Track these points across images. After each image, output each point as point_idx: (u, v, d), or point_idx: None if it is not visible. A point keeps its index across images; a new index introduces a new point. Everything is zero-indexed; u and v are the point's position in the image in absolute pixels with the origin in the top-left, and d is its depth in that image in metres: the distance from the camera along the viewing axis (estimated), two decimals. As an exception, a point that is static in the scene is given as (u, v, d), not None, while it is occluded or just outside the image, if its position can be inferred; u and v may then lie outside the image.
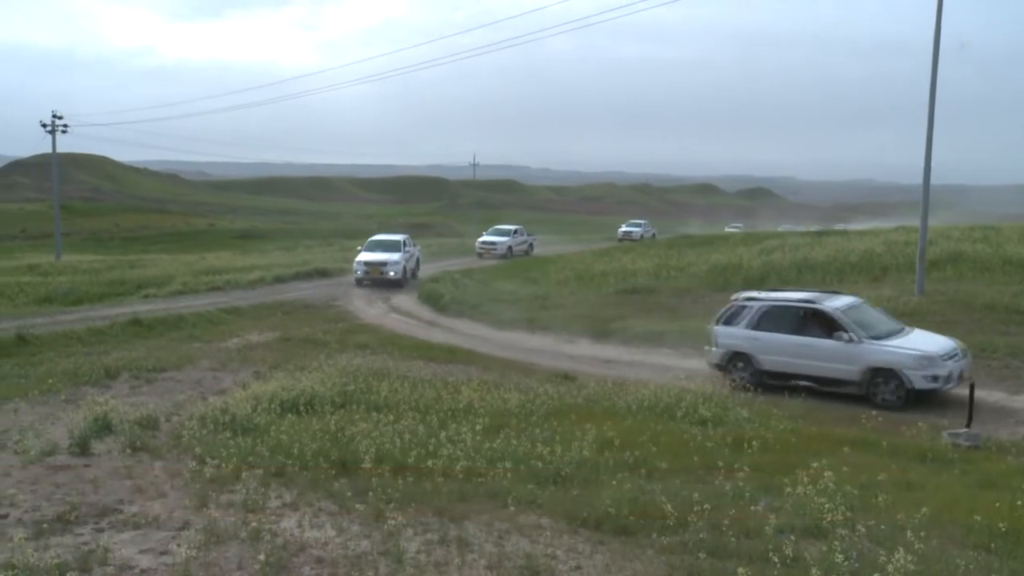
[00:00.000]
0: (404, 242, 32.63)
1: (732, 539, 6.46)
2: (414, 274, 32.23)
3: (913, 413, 12.64)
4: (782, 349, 14.53)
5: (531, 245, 45.89)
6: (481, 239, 44.71)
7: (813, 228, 51.67)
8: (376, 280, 30.44)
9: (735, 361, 15.12)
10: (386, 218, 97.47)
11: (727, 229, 66.58)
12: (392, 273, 30.51)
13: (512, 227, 46.71)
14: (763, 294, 15.91)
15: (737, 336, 15.14)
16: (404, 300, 27.93)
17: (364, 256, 31.23)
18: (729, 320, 15.43)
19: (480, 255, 42.58)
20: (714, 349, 15.51)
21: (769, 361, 14.68)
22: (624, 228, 61.22)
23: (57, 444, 9.35)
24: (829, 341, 14.00)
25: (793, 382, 14.21)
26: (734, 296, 16.23)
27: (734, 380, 14.81)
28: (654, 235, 59.02)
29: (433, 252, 44.85)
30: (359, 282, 30.51)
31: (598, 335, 20.66)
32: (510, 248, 43.19)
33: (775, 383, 14.44)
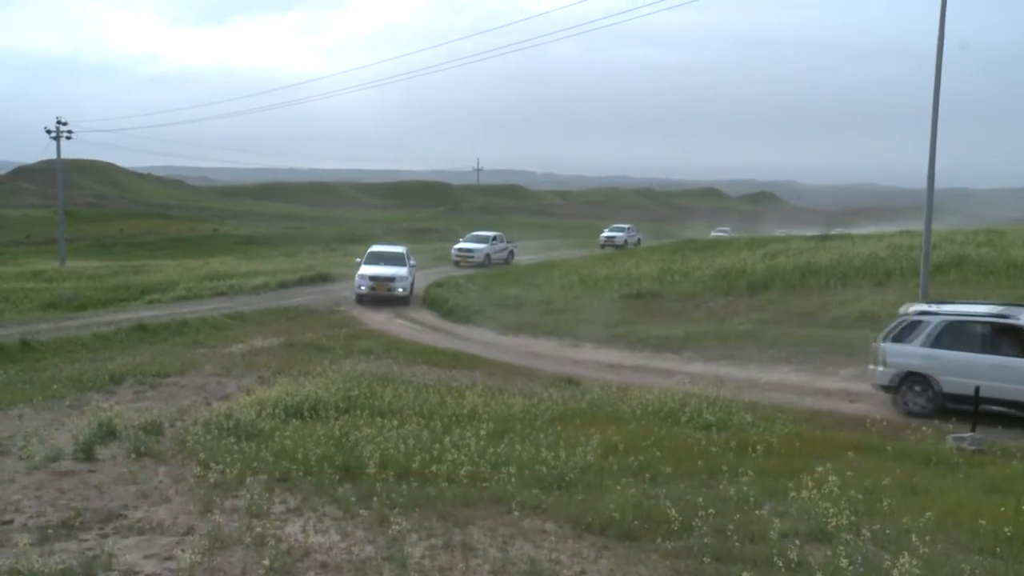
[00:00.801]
0: (407, 254, 29.86)
1: (737, 543, 6.45)
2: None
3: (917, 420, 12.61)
4: (970, 370, 12.72)
5: (511, 253, 42.19)
6: (457, 246, 40.93)
7: (810, 232, 51.78)
8: (380, 297, 27.61)
9: (909, 383, 13.44)
10: (390, 223, 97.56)
11: (713, 233, 62.67)
12: (400, 290, 27.68)
13: (491, 233, 42.73)
14: (942, 307, 14.04)
15: (912, 355, 13.42)
16: (408, 306, 27.94)
17: (368, 270, 28.01)
18: (901, 336, 13.72)
19: (456, 263, 39.14)
20: (882, 369, 13.78)
21: (953, 383, 12.92)
22: (607, 233, 54.67)
23: (62, 450, 9.36)
24: None
25: (983, 407, 12.33)
26: (903, 309, 14.57)
27: (907, 404, 13.41)
28: (639, 241, 54.21)
29: (437, 257, 44.85)
30: (361, 299, 27.56)
31: (602, 340, 20.67)
32: (488, 256, 39.56)
33: (959, 407, 12.76)
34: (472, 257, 39.53)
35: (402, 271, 28.09)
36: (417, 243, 60.03)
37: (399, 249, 30.35)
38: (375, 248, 30.56)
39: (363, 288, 27.64)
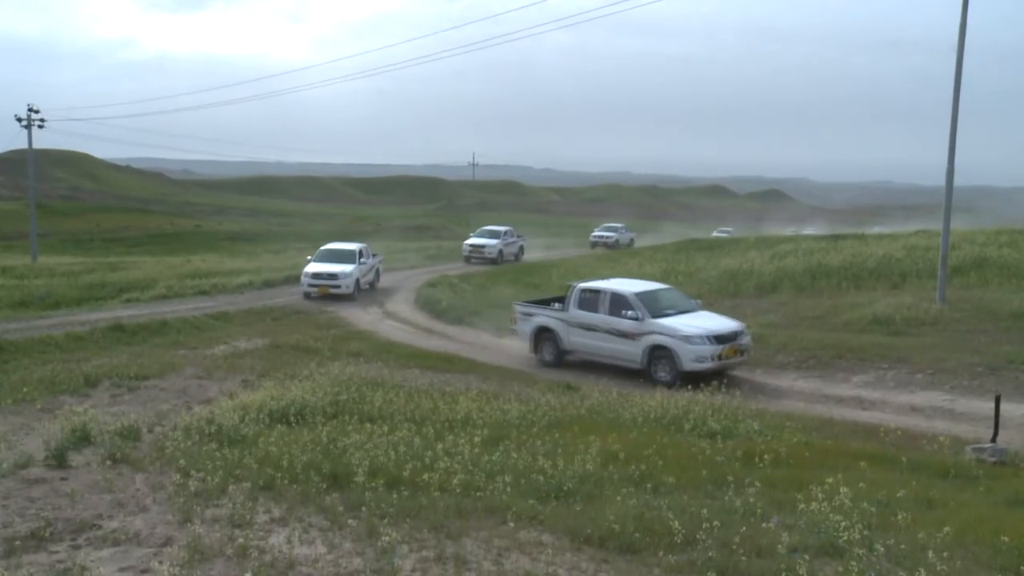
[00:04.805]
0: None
1: (743, 558, 6.44)
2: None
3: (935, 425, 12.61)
4: None
5: (377, 272, 32.53)
6: (310, 270, 29.22)
7: (788, 231, 51.60)
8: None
9: None
10: (382, 220, 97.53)
11: (594, 234, 53.02)
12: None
13: (355, 246, 31.55)
14: None
15: None
16: (400, 306, 27.95)
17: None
18: None
19: (308, 295, 28.65)
20: None
21: None
22: (473, 240, 42.72)
23: (32, 456, 9.34)
24: None
25: None
26: None
27: None
28: (521, 249, 43.98)
29: (431, 255, 44.90)
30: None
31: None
32: (357, 281, 29.44)
33: None
34: (338, 287, 28.65)
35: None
36: (411, 241, 60.07)
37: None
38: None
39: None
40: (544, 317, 18.88)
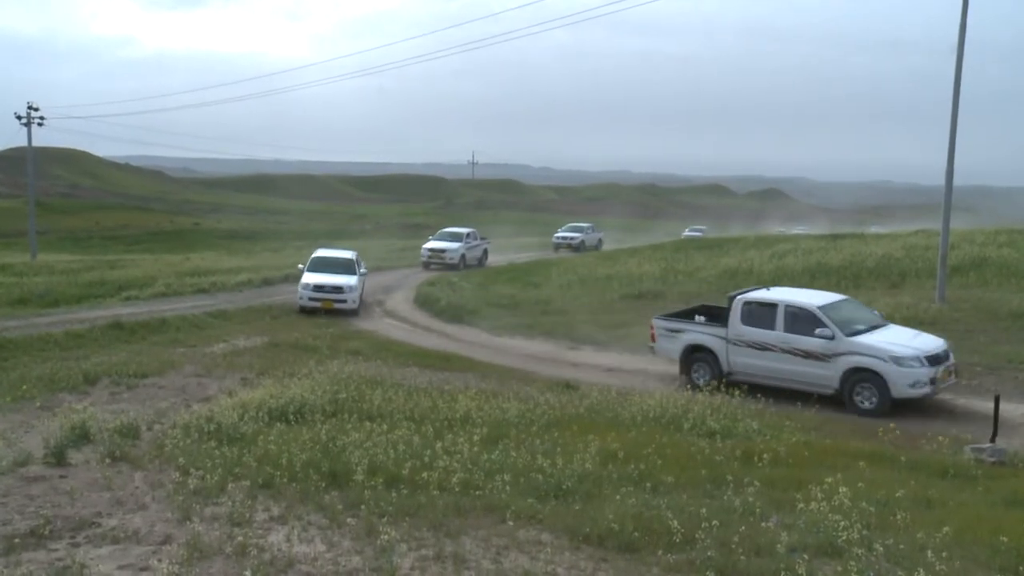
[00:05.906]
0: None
1: (742, 557, 6.45)
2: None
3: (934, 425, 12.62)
4: None
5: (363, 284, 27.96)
6: (310, 281, 25.55)
7: (775, 231, 51.39)
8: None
9: None
10: (380, 218, 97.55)
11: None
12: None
13: (351, 255, 28.01)
14: None
15: None
16: (399, 304, 27.95)
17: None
18: None
19: (304, 309, 25.34)
20: None
21: None
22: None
23: (31, 454, 9.33)
24: None
25: None
26: None
27: None
28: (483, 255, 40.16)
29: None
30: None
31: (602, 342, 20.65)
32: (360, 294, 26.46)
33: None
34: None
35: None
36: (410, 239, 60.03)
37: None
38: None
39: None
40: (697, 334, 16.30)
